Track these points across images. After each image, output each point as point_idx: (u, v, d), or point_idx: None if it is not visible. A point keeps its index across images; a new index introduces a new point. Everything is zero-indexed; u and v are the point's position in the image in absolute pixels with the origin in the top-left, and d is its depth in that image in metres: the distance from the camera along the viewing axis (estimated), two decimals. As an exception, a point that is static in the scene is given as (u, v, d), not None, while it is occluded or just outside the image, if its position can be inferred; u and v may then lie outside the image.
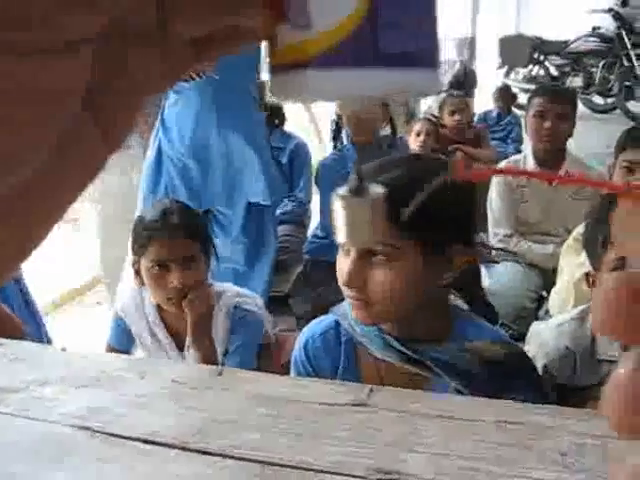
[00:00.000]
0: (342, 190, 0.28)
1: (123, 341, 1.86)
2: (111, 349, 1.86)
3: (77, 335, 2.77)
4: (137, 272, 1.74)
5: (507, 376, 1.07)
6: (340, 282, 1.09)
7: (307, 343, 1.23)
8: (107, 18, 0.18)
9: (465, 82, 5.85)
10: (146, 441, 0.72)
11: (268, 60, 0.24)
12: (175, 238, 1.68)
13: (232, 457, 0.69)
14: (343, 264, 1.08)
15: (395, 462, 0.66)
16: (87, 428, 0.75)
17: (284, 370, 1.89)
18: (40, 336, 2.12)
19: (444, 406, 0.75)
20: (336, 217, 0.29)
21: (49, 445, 0.72)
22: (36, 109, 0.18)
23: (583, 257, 2.31)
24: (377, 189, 0.29)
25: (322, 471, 0.66)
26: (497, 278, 2.89)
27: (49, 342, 2.11)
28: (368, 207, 0.28)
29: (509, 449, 0.67)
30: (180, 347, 1.80)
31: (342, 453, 0.69)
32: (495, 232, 2.91)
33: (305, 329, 1.28)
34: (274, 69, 0.23)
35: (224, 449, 0.70)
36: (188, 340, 1.75)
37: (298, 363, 1.23)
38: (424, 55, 0.23)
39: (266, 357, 1.92)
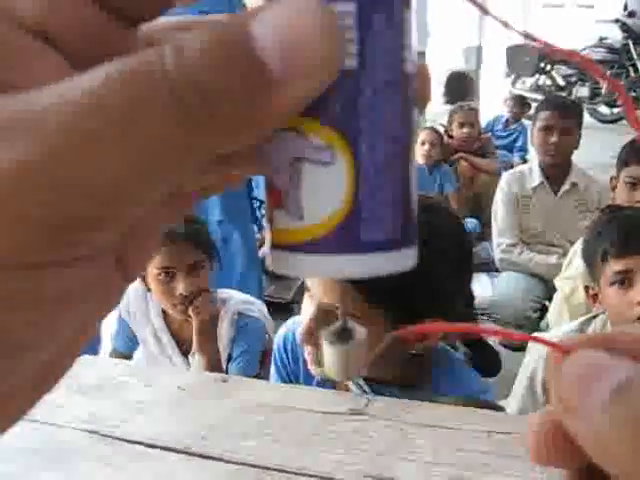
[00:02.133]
0: (328, 333, 0.32)
1: (127, 345, 1.89)
2: (116, 353, 1.89)
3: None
4: (143, 278, 1.77)
5: None
6: (297, 335, 1.06)
7: (286, 337, 1.23)
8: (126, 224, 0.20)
9: (463, 90, 5.87)
10: (149, 445, 0.75)
11: (268, 237, 0.28)
12: (181, 246, 1.70)
13: (232, 462, 0.72)
14: (304, 312, 1.06)
15: (387, 469, 0.69)
16: (91, 432, 0.78)
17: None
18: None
19: (436, 416, 0.78)
20: (324, 355, 0.33)
21: (53, 448, 0.76)
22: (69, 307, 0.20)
23: (569, 271, 2.33)
24: (361, 331, 0.33)
25: (318, 476, 0.69)
26: (500, 287, 2.91)
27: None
28: (353, 351, 0.32)
29: (496, 458, 0.70)
30: (184, 353, 1.83)
31: (337, 459, 0.71)
32: (499, 242, 2.94)
33: (286, 323, 1.29)
34: (271, 247, 0.28)
35: (225, 454, 0.73)
36: (194, 346, 1.78)
37: (276, 358, 1.23)
38: (401, 238, 0.27)
39: (268, 363, 1.94)
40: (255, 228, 3.53)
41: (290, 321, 1.28)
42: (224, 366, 1.80)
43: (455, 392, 1.07)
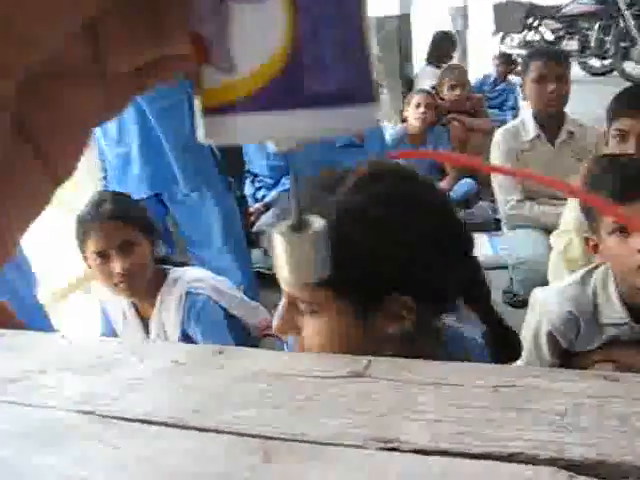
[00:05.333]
0: (281, 226, 0.28)
1: (110, 328, 1.91)
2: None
3: (77, 324, 2.81)
4: (90, 267, 1.78)
5: None
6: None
7: None
8: (21, 75, 0.18)
9: (447, 50, 5.85)
10: (145, 422, 0.73)
11: (197, 101, 0.24)
12: (109, 227, 1.70)
13: (230, 433, 0.69)
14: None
15: (390, 430, 0.66)
16: (85, 412, 0.76)
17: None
18: (46, 328, 2.14)
19: (439, 373, 0.76)
20: (276, 254, 0.28)
21: (47, 430, 0.73)
22: None
23: (562, 226, 2.31)
24: (319, 222, 0.28)
25: (321, 443, 0.67)
26: (512, 249, 2.88)
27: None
28: (310, 243, 0.28)
29: (503, 412, 0.68)
30: (147, 332, 1.88)
31: (341, 424, 0.69)
32: (507, 199, 2.91)
33: None
34: (204, 111, 0.23)
35: (222, 425, 0.70)
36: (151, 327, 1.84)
37: None
38: (355, 91, 0.22)
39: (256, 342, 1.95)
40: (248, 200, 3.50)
41: None
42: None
43: None
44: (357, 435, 0.67)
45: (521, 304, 2.82)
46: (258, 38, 0.21)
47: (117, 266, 1.66)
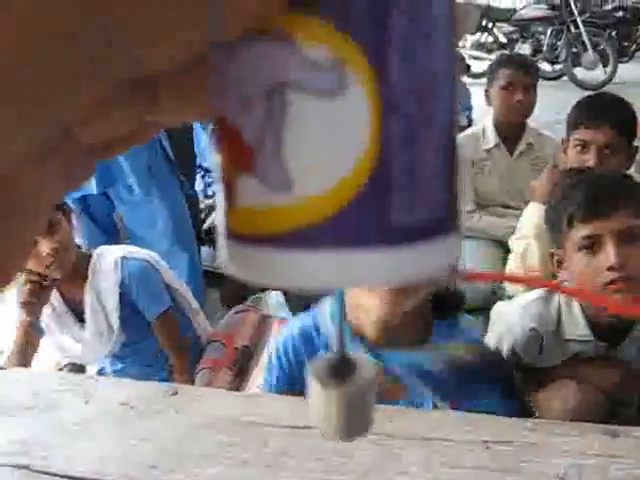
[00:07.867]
0: (319, 367, 0.21)
1: (39, 326, 1.82)
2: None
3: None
4: None
5: (475, 381, 0.99)
6: None
7: (286, 340, 1.13)
8: None
9: None
10: (90, 481, 0.63)
11: (223, 221, 0.17)
12: None
13: (189, 496, 0.61)
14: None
15: (375, 499, 0.59)
16: (19, 466, 0.65)
17: (237, 354, 1.84)
18: None
19: (422, 425, 0.68)
20: (312, 402, 0.21)
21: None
22: None
23: (522, 231, 2.27)
24: (368, 365, 0.21)
25: (292, 508, 0.59)
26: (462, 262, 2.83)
27: None
28: (357, 396, 0.21)
29: (499, 475, 0.60)
30: (80, 320, 1.79)
31: (313, 486, 0.61)
32: None
33: (284, 328, 1.19)
34: (230, 236, 0.17)
35: (179, 488, 0.61)
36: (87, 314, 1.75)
37: (273, 362, 1.13)
38: (450, 216, 0.17)
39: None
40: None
41: (286, 327, 1.17)
42: (116, 319, 1.75)
43: (458, 341, 1.03)
44: (335, 501, 0.59)
45: (477, 310, 2.79)
46: (330, 146, 0.15)
47: (45, 246, 1.61)
